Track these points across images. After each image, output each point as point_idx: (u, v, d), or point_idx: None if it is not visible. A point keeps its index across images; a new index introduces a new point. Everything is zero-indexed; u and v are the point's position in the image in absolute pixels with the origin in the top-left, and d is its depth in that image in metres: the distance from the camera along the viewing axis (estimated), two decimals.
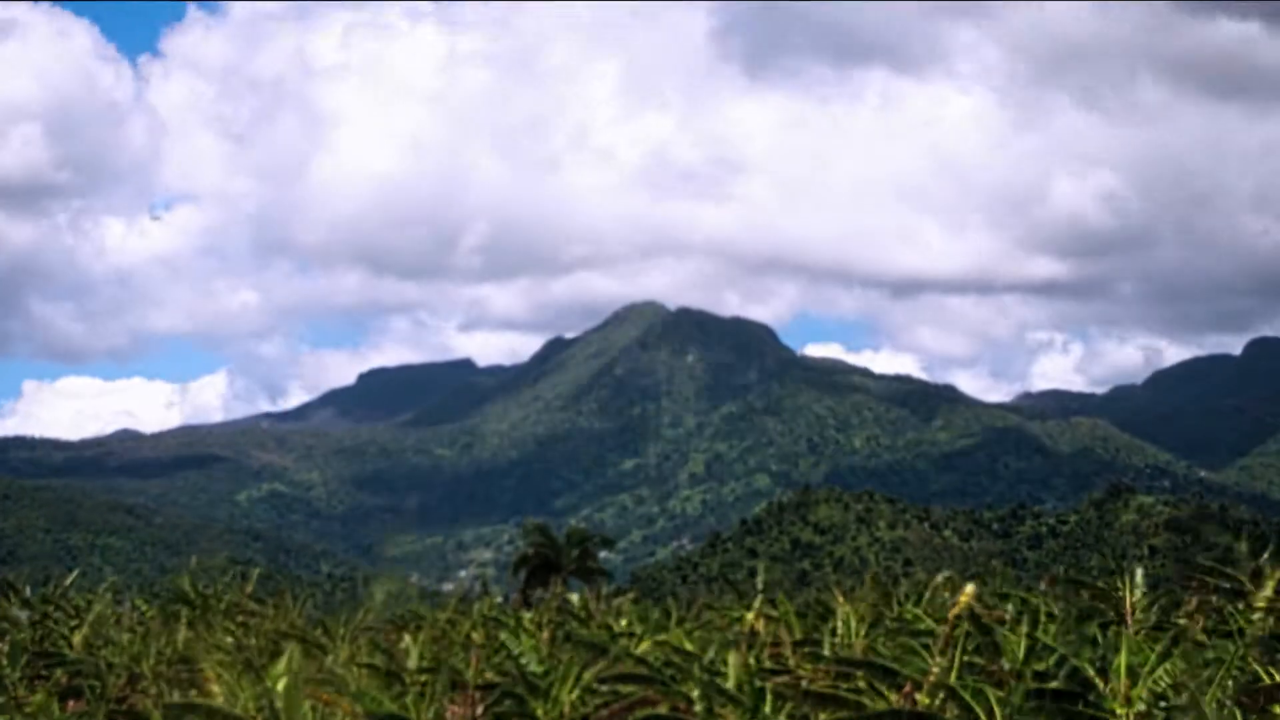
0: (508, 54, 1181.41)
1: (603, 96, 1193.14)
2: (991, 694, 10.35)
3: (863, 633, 17.52)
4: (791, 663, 15.76)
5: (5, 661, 17.74)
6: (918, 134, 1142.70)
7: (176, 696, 16.35)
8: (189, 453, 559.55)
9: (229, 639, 17.00)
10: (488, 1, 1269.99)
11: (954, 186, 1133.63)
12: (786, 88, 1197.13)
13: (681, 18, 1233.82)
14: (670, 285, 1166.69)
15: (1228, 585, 20.55)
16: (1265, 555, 18.27)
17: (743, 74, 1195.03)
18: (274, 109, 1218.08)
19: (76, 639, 22.40)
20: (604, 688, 15.60)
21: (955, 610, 12.15)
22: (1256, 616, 13.73)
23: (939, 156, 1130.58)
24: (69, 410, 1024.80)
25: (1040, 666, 11.84)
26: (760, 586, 19.85)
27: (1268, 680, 11.14)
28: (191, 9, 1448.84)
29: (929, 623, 16.82)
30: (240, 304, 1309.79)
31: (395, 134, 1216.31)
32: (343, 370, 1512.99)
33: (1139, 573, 15.29)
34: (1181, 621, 14.16)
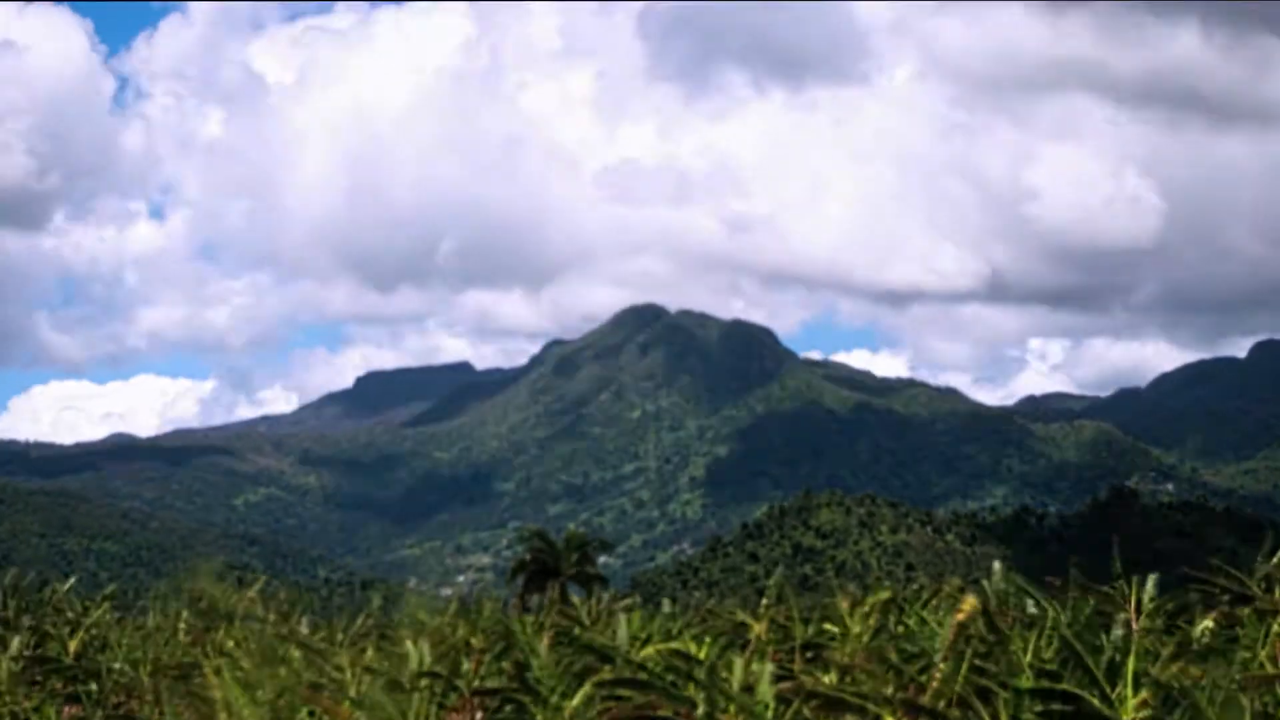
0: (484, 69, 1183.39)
1: (582, 103, 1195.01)
2: (1000, 697, 10.36)
3: (868, 637, 17.53)
4: (796, 667, 15.77)
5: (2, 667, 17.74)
6: (885, 146, 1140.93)
7: (176, 703, 16.35)
8: (184, 456, 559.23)
9: (230, 644, 17.00)
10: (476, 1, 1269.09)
11: (934, 196, 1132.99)
12: (726, 100, 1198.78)
13: (621, 23, 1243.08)
14: (672, 290, 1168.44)
15: (1235, 590, 20.54)
16: (1276, 560, 18.25)
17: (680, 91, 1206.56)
18: (264, 118, 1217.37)
19: (73, 645, 22.36)
20: (605, 693, 15.57)
21: (960, 617, 12.13)
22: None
23: (919, 168, 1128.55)
24: (62, 415, 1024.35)
25: (1050, 666, 11.86)
26: (767, 590, 19.86)
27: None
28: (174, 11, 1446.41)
29: (935, 628, 16.83)
30: (235, 307, 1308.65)
31: (388, 144, 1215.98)
32: (340, 373, 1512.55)
33: (1151, 580, 15.33)
34: (1196, 630, 14.18)
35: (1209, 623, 14.92)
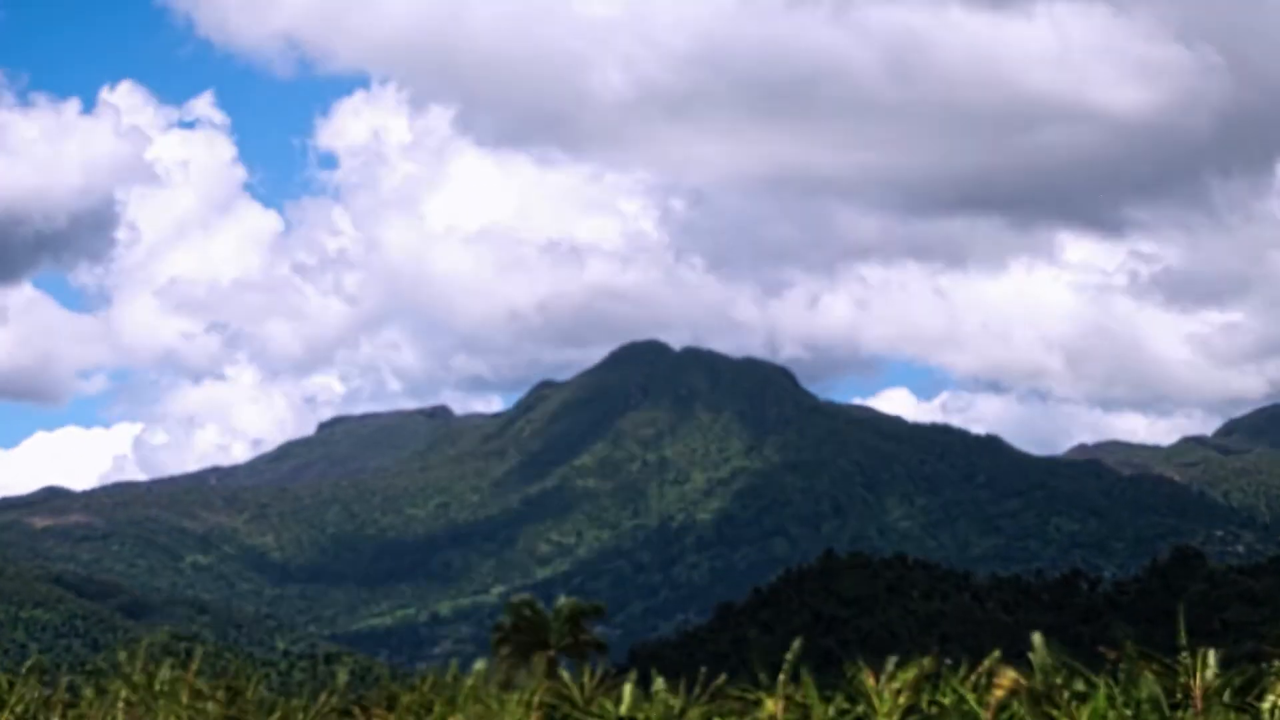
0: None
1: None
2: None
3: (898, 716, 17.51)
4: None
5: None
6: None
7: None
8: (125, 513, 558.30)
9: None
10: None
11: None
12: None
13: None
14: (676, 321, 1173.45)
15: None
16: None
17: None
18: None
19: None
20: None
21: (999, 694, 12.10)
22: None
23: None
24: None
25: None
26: (787, 662, 19.82)
27: None
28: None
29: (973, 705, 16.80)
30: (181, 343, 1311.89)
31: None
32: (300, 419, 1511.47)
33: (1212, 653, 15.30)
34: (1266, 705, 14.17)
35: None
